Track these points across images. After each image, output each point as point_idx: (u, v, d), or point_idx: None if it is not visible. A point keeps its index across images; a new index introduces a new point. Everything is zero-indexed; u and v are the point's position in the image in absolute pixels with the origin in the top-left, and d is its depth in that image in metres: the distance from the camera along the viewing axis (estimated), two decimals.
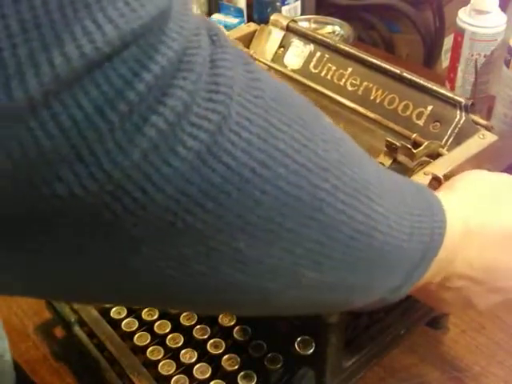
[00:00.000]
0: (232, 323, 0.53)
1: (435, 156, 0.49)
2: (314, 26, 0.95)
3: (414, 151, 0.47)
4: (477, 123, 0.50)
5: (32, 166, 0.20)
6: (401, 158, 0.48)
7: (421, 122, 0.53)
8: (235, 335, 0.52)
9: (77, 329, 0.57)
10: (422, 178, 0.45)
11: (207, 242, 0.24)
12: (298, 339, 0.48)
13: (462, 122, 0.51)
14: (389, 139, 0.48)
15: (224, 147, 0.22)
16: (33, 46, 0.19)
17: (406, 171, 0.47)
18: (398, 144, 0.47)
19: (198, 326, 0.54)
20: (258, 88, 0.25)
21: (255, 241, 0.25)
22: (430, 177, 0.45)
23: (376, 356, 0.54)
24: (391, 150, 0.48)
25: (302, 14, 1.05)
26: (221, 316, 0.53)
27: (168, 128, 0.21)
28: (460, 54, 0.81)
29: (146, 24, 0.20)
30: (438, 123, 0.52)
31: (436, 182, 0.44)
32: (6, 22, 0.18)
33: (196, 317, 0.55)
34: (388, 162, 0.48)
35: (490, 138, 0.48)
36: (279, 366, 0.50)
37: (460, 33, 0.80)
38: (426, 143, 0.48)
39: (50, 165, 0.20)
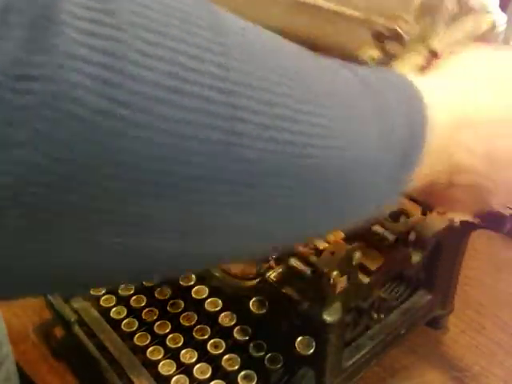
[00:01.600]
0: (232, 323, 0.53)
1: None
2: None
3: (406, 36, 0.42)
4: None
5: None
6: (390, 46, 0.43)
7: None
8: (235, 335, 0.52)
9: (77, 328, 0.57)
10: (414, 58, 0.41)
11: (120, 222, 0.20)
12: (298, 339, 0.48)
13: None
14: (376, 28, 0.43)
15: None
16: None
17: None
18: (387, 30, 0.43)
19: (198, 326, 0.54)
20: None
21: (163, 201, 0.21)
22: (423, 54, 0.41)
23: (376, 356, 0.55)
24: (379, 37, 0.43)
25: None
26: (221, 316, 0.53)
27: None
28: None
29: None
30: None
31: (432, 57, 0.41)
32: None
33: (196, 317, 0.55)
34: (376, 53, 0.44)
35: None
36: (279, 366, 0.50)
37: None
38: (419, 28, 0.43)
39: None
